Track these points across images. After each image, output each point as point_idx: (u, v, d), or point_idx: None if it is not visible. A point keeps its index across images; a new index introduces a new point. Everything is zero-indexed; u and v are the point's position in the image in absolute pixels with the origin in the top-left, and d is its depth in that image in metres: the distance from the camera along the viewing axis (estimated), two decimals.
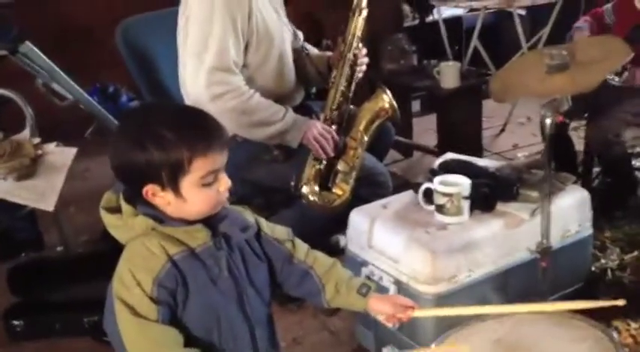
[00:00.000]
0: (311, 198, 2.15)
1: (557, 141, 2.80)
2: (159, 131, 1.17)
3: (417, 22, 4.06)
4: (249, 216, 1.35)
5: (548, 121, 1.46)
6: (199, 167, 1.18)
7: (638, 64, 2.50)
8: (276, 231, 1.38)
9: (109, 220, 1.25)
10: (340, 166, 2.19)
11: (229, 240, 1.28)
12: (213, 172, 1.21)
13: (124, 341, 1.22)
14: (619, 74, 2.49)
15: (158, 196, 1.21)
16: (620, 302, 1.19)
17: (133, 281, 1.20)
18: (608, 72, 1.39)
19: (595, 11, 2.83)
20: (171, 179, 1.19)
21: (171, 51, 2.23)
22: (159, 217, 1.22)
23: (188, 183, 1.19)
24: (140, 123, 1.22)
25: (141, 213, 1.22)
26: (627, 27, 2.61)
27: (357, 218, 1.95)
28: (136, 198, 1.23)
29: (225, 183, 1.24)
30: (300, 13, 3.85)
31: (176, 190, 1.20)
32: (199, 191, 1.20)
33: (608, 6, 2.77)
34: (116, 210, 1.25)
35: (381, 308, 1.36)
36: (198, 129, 1.20)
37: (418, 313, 1.37)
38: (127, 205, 1.23)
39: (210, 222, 1.25)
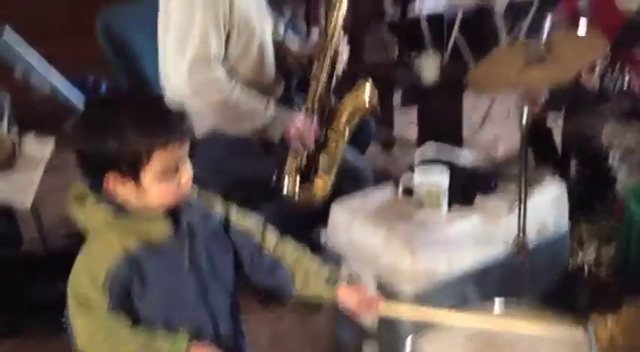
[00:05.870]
0: (292, 192, 2.15)
1: (536, 133, 2.86)
2: (119, 122, 1.18)
3: (398, 16, 4.06)
4: (218, 206, 1.36)
5: (524, 112, 1.48)
6: (159, 159, 1.19)
7: (626, 67, 2.51)
8: (246, 221, 1.39)
9: (74, 209, 1.26)
10: (321, 160, 2.19)
11: (193, 230, 1.28)
12: (174, 164, 1.21)
13: (73, 330, 1.24)
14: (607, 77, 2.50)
15: (119, 185, 1.21)
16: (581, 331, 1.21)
17: (85, 272, 1.22)
18: (584, 66, 1.40)
19: (569, 4, 2.83)
20: (131, 170, 1.19)
21: (152, 42, 2.22)
22: (120, 207, 1.23)
23: (148, 175, 1.20)
24: (101, 114, 1.23)
25: (103, 203, 1.22)
26: (610, 29, 2.61)
27: (337, 212, 1.96)
28: (99, 188, 1.23)
29: (187, 174, 1.25)
30: None
31: (137, 181, 1.20)
32: (160, 182, 1.21)
33: (583, 2, 2.77)
34: (83, 199, 1.25)
35: (348, 299, 1.37)
36: (159, 121, 1.21)
37: (386, 309, 1.38)
38: (91, 194, 1.23)
39: (174, 212, 1.26)
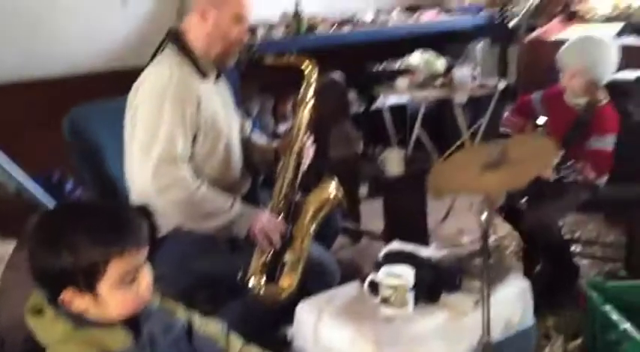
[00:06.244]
0: (258, 290, 2.13)
1: (509, 215, 2.91)
2: (72, 235, 1.17)
3: (362, 109, 4.19)
4: (180, 313, 1.34)
5: (483, 217, 1.52)
6: (116, 268, 1.18)
7: (579, 161, 2.61)
8: (210, 327, 1.37)
9: (32, 322, 1.23)
10: (287, 257, 2.19)
11: (154, 339, 1.26)
12: (132, 271, 1.20)
13: None
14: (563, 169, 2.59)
15: (76, 301, 1.19)
16: None
17: None
18: (538, 171, 1.46)
19: (523, 100, 2.97)
20: (88, 283, 1.18)
21: (118, 140, 2.23)
22: (79, 320, 1.20)
23: (105, 285, 1.19)
24: (54, 228, 1.22)
25: (62, 316, 1.20)
26: (562, 124, 2.73)
27: (303, 312, 1.95)
28: (56, 300, 1.21)
29: (146, 280, 1.23)
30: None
31: (94, 293, 1.19)
32: (118, 291, 1.20)
33: (537, 95, 2.90)
34: (41, 311, 1.23)
35: None
36: (113, 229, 1.20)
37: None
38: (49, 307, 1.21)
39: (134, 322, 1.24)
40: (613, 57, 2.71)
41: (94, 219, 1.22)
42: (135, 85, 2.20)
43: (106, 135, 2.38)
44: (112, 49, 3.62)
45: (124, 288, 1.20)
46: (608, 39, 2.95)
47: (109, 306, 1.20)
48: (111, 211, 1.27)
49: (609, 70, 2.71)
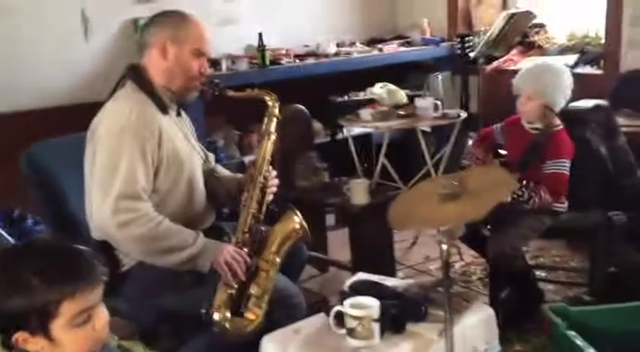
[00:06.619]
0: (222, 324, 2.10)
1: (474, 242, 2.94)
2: (23, 277, 1.15)
3: (328, 139, 4.22)
4: None
5: (444, 247, 1.53)
6: (69, 309, 1.16)
7: (536, 186, 2.67)
8: None
9: None
10: (252, 290, 2.17)
11: None
12: (86, 311, 1.19)
13: None
14: (526, 200, 2.64)
15: (30, 343, 1.17)
16: None
17: None
18: (495, 202, 1.48)
19: (485, 131, 3.05)
20: (41, 325, 1.16)
21: (78, 177, 2.21)
22: None
23: (59, 326, 1.17)
24: (5, 270, 1.19)
25: None
26: (519, 148, 2.82)
27: (269, 345, 1.93)
28: (10, 343, 1.18)
29: (102, 319, 1.21)
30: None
31: (47, 335, 1.16)
32: (72, 332, 1.18)
33: (498, 126, 3.00)
34: None
35: None
36: (65, 270, 1.19)
37: None
38: (4, 350, 1.19)
39: None
40: (566, 82, 2.81)
41: (45, 259, 1.20)
42: (94, 121, 2.18)
43: (66, 170, 2.35)
44: (74, 84, 3.60)
45: (78, 329, 1.18)
46: (561, 65, 3.06)
47: (64, 347, 1.18)
48: (64, 251, 1.25)
49: (562, 95, 2.80)
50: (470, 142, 3.09)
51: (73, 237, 2.23)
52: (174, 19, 2.25)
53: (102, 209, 2.05)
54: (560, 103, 2.81)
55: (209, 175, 2.45)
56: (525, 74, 2.85)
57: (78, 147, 2.20)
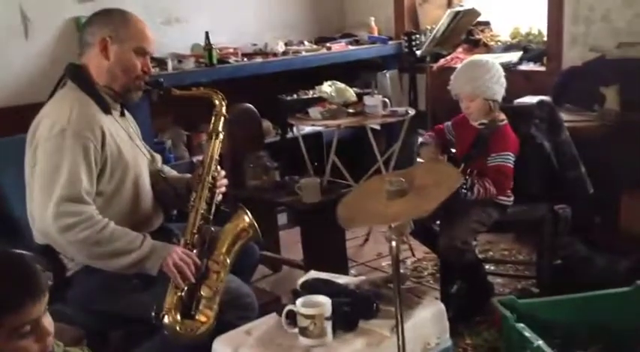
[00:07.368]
0: (173, 327, 2.07)
1: (425, 237, 2.97)
2: None
3: (278, 138, 4.20)
4: None
5: (394, 244, 1.54)
6: (10, 322, 1.13)
7: (481, 178, 2.72)
8: None
9: None
10: (203, 292, 2.14)
11: None
12: (29, 322, 1.15)
13: None
14: (469, 188, 2.68)
15: None
16: None
17: None
18: (442, 197, 1.49)
19: (437, 128, 3.09)
20: None
21: (19, 180, 2.14)
22: None
23: (1, 337, 1.13)
24: None
25: None
26: (467, 143, 2.87)
27: (220, 348, 1.90)
28: None
29: (46, 329, 1.18)
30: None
31: None
32: (13, 343, 1.14)
33: (448, 123, 3.05)
34: None
35: None
36: (9, 286, 1.15)
37: None
38: None
39: None
40: (497, 71, 2.86)
41: None
42: (34, 123, 2.11)
43: (6, 173, 2.28)
44: (14, 84, 3.49)
45: (21, 339, 1.14)
46: (485, 58, 3.14)
47: None
48: (7, 263, 1.21)
49: (498, 84, 2.86)
50: (420, 140, 3.11)
51: (15, 241, 2.16)
52: (114, 17, 2.20)
53: (44, 213, 1.99)
54: (500, 92, 2.87)
55: (156, 176, 2.41)
56: (457, 77, 2.90)
57: (18, 149, 2.14)
